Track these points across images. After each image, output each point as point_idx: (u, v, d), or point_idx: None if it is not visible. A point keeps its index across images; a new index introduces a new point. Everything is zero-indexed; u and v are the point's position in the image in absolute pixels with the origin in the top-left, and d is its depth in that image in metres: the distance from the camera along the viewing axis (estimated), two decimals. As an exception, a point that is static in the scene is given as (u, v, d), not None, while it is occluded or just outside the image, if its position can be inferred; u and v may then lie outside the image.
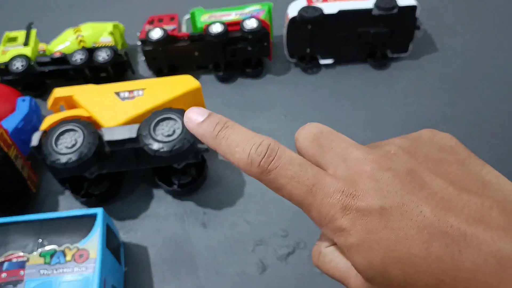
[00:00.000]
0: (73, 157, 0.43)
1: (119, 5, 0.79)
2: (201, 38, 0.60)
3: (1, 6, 0.81)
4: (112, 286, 0.40)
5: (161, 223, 0.48)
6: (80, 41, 0.62)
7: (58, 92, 0.51)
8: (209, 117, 0.23)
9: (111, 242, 0.42)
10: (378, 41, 0.61)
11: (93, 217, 0.41)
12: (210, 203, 0.49)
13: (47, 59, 0.61)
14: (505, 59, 0.63)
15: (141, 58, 0.64)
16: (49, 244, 0.39)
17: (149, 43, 0.60)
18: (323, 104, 0.59)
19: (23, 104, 0.53)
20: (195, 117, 0.23)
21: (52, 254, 0.39)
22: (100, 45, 0.61)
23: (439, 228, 0.18)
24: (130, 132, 0.46)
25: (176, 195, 0.50)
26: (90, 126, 0.46)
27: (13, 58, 0.59)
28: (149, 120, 0.46)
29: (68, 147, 0.44)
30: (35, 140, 0.45)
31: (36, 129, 0.50)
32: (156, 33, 0.59)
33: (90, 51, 0.61)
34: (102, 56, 0.60)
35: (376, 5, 0.58)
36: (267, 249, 0.45)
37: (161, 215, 0.49)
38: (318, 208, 0.20)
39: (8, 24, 0.67)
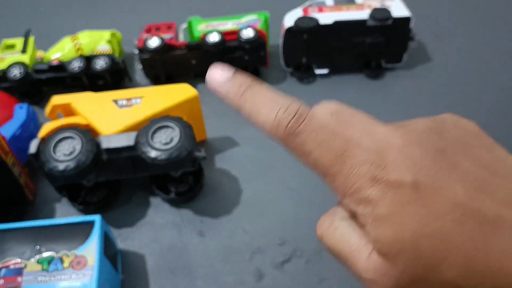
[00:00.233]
0: (71, 164, 0.43)
1: (116, 13, 0.79)
2: (199, 47, 0.61)
3: (-2, 13, 0.82)
4: (109, 294, 0.40)
5: (158, 231, 0.48)
6: (78, 49, 0.63)
7: (56, 99, 0.51)
8: (234, 76, 0.22)
9: (109, 250, 0.42)
10: (373, 51, 0.62)
11: (91, 224, 0.41)
12: (207, 212, 0.50)
13: (44, 67, 0.61)
14: (499, 69, 0.64)
15: (138, 66, 0.64)
16: (47, 250, 0.40)
17: (146, 52, 0.60)
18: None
19: (20, 112, 0.53)
20: (218, 75, 0.22)
21: (50, 261, 0.39)
22: (97, 53, 0.62)
23: (473, 208, 0.18)
24: (128, 140, 0.46)
25: (173, 203, 0.50)
26: (88, 133, 0.46)
27: (10, 65, 0.59)
28: (147, 128, 0.46)
29: (66, 154, 0.44)
30: (33, 147, 0.45)
31: (33, 136, 0.50)
32: (153, 42, 0.60)
33: (88, 59, 0.61)
34: (100, 64, 0.60)
35: (371, 16, 0.59)
36: (264, 257, 0.46)
37: (158, 223, 0.49)
38: (344, 177, 0.19)
39: (6, 32, 0.67)
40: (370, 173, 0.19)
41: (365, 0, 0.62)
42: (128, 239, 0.48)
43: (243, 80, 0.21)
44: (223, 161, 0.54)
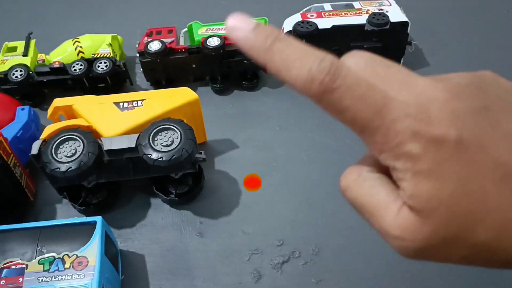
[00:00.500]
0: (73, 165, 0.44)
1: (118, 17, 0.80)
2: (199, 50, 0.61)
3: (1, 16, 0.82)
4: (110, 294, 0.40)
5: (158, 232, 0.49)
6: (79, 52, 0.63)
7: (58, 101, 0.52)
8: (257, 26, 0.19)
9: (109, 250, 0.43)
10: (371, 56, 0.63)
11: (92, 225, 0.42)
12: (207, 213, 0.50)
13: (46, 69, 0.61)
14: (496, 73, 0.65)
15: (139, 70, 0.65)
16: (48, 251, 0.40)
17: (147, 55, 0.61)
18: (317, 116, 0.61)
19: (22, 113, 0.54)
20: (241, 25, 0.19)
21: (51, 261, 0.39)
22: (99, 56, 0.62)
23: None
24: (129, 142, 0.46)
25: (173, 204, 0.51)
26: (90, 135, 0.46)
27: (12, 67, 0.60)
28: (148, 130, 0.47)
29: (67, 155, 0.45)
30: (35, 148, 0.45)
31: (34, 138, 0.50)
32: (154, 45, 0.61)
33: (89, 62, 0.61)
34: (101, 66, 0.61)
35: (369, 21, 0.60)
36: (263, 258, 0.46)
37: (158, 224, 0.50)
38: (385, 131, 0.18)
39: (8, 35, 0.68)
40: (411, 127, 0.18)
41: (363, 5, 0.63)
42: (128, 240, 0.48)
43: (270, 30, 0.19)
44: (223, 163, 0.55)
